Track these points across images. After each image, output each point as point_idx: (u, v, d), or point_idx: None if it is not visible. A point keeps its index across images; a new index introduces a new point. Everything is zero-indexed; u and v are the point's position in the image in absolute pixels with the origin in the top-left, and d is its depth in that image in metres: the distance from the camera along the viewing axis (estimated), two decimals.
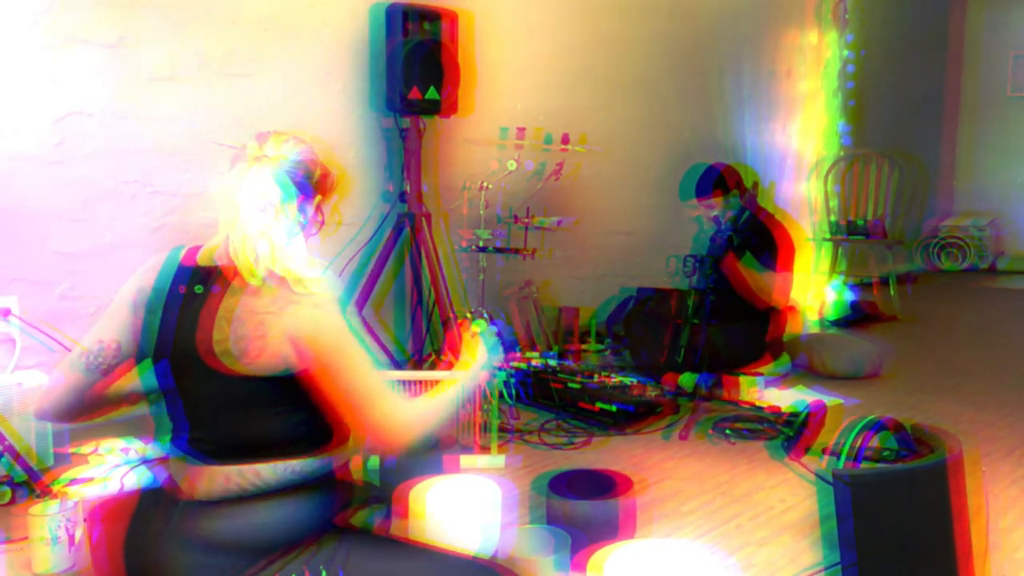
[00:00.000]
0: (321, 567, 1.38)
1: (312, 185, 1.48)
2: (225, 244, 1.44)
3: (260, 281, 1.39)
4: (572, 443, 2.96)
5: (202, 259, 1.46)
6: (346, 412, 1.42)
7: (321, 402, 1.41)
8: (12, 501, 2.31)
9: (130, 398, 1.58)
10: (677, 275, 3.37)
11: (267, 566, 1.37)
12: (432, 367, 3.61)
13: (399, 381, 2.47)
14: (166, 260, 1.49)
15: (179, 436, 1.45)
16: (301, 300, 1.38)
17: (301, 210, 1.47)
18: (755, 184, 3.77)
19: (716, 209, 3.67)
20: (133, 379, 1.52)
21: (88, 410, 1.54)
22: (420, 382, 2.51)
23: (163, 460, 1.48)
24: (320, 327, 1.38)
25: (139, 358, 1.49)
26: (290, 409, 1.42)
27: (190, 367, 1.41)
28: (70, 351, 1.52)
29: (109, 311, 1.51)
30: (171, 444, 1.46)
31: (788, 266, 3.65)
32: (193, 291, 1.43)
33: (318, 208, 1.51)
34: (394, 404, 1.44)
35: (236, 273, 1.40)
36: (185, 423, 1.44)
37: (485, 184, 3.58)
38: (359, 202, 3.73)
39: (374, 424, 1.42)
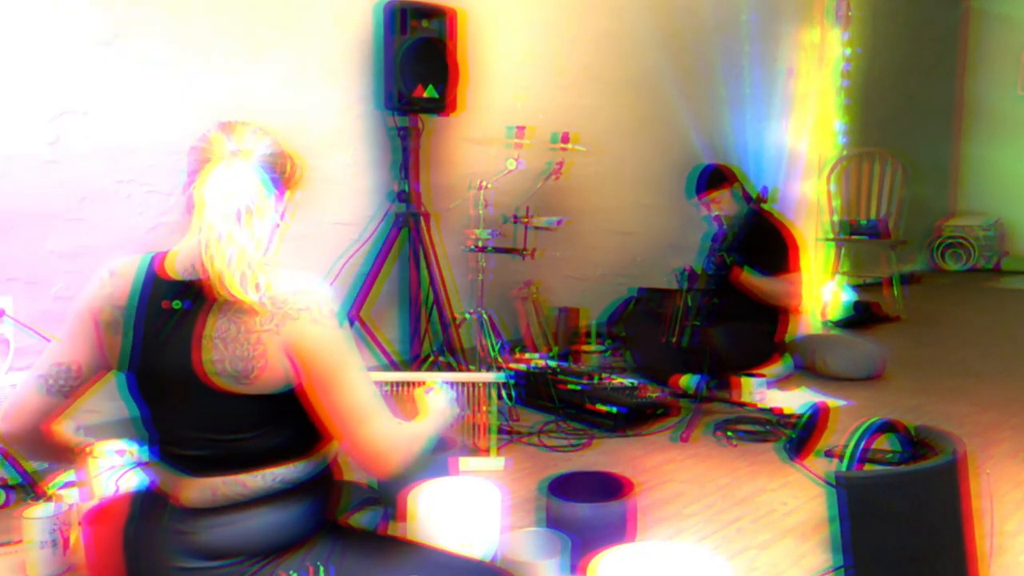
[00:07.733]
0: (317, 563, 1.36)
1: (283, 181, 1.38)
2: (197, 253, 1.30)
3: (252, 300, 1.28)
4: (573, 445, 2.94)
5: (172, 271, 1.35)
6: (337, 428, 1.34)
7: (312, 414, 1.35)
8: (6, 504, 2.30)
9: (67, 455, 1.55)
10: (683, 286, 3.37)
11: (260, 569, 1.34)
12: (432, 367, 3.59)
13: (394, 383, 2.44)
14: (136, 272, 1.36)
15: (156, 447, 1.41)
16: (299, 316, 1.29)
17: (276, 210, 1.39)
18: (744, 186, 3.79)
19: (718, 205, 3.71)
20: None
21: (43, 441, 1.45)
22: (415, 383, 2.48)
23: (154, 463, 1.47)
24: (319, 344, 1.30)
25: (118, 370, 1.39)
26: (282, 424, 1.36)
27: (177, 384, 1.32)
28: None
29: (67, 329, 1.39)
30: (150, 455, 1.42)
31: (796, 266, 3.65)
32: (172, 307, 1.32)
33: (286, 207, 1.42)
34: (384, 425, 1.37)
35: (218, 288, 1.28)
36: (160, 435, 1.40)
37: (484, 183, 3.55)
38: (360, 201, 3.71)
39: (362, 442, 1.34)
